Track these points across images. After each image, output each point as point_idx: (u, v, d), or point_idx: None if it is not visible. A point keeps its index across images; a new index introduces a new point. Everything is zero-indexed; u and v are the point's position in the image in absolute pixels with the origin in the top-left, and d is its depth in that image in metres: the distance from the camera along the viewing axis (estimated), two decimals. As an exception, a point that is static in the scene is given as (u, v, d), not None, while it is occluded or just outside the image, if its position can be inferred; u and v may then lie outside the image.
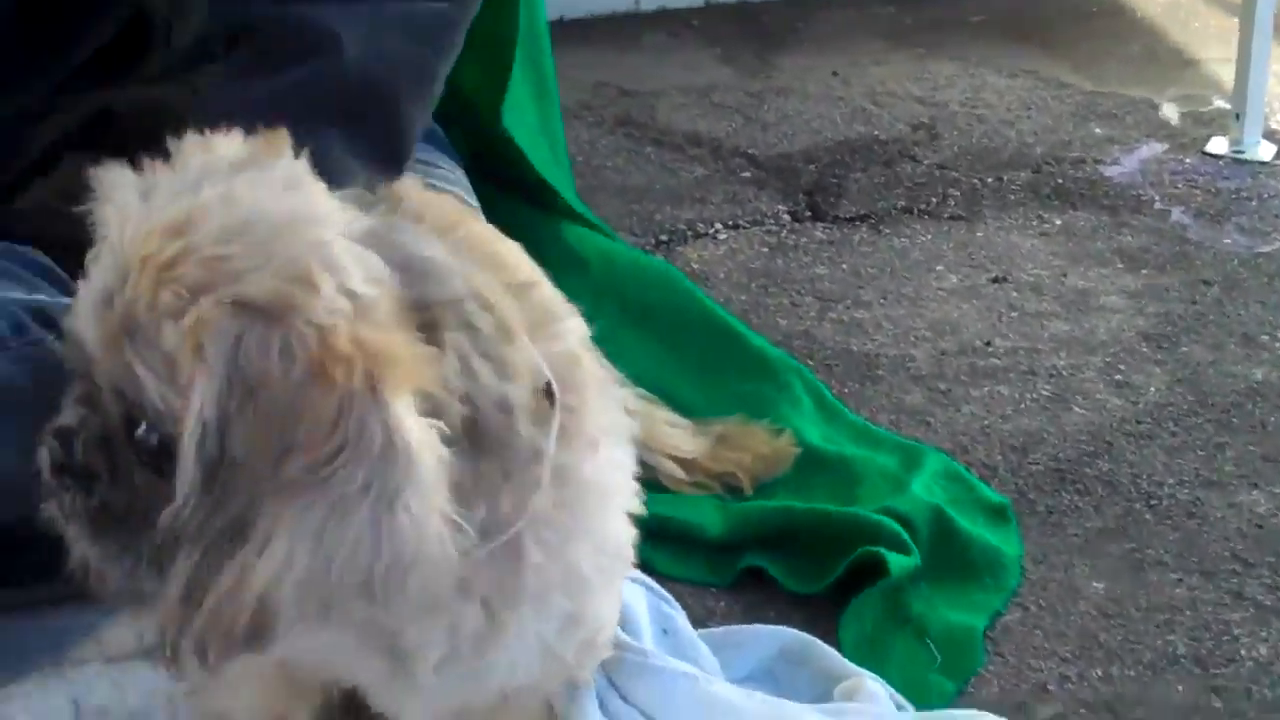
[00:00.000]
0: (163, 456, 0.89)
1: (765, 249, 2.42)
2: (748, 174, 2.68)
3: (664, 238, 2.44)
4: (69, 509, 0.96)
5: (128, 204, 0.95)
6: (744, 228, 2.49)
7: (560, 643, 1.10)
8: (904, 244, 2.44)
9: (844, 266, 2.37)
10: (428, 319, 0.91)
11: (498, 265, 1.08)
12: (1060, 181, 2.68)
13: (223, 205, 0.90)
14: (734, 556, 1.64)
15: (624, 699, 1.32)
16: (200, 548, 0.87)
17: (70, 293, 1.35)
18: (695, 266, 2.34)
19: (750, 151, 2.76)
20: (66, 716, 1.30)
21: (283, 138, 0.98)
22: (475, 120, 1.95)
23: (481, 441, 0.94)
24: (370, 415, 0.84)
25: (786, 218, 2.53)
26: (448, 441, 0.89)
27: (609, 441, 1.09)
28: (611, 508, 1.11)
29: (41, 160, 1.38)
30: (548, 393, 1.01)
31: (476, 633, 1.04)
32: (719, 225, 2.49)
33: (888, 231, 2.48)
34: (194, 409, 0.86)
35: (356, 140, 1.26)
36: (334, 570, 0.84)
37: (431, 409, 0.89)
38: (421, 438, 0.85)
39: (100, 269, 0.93)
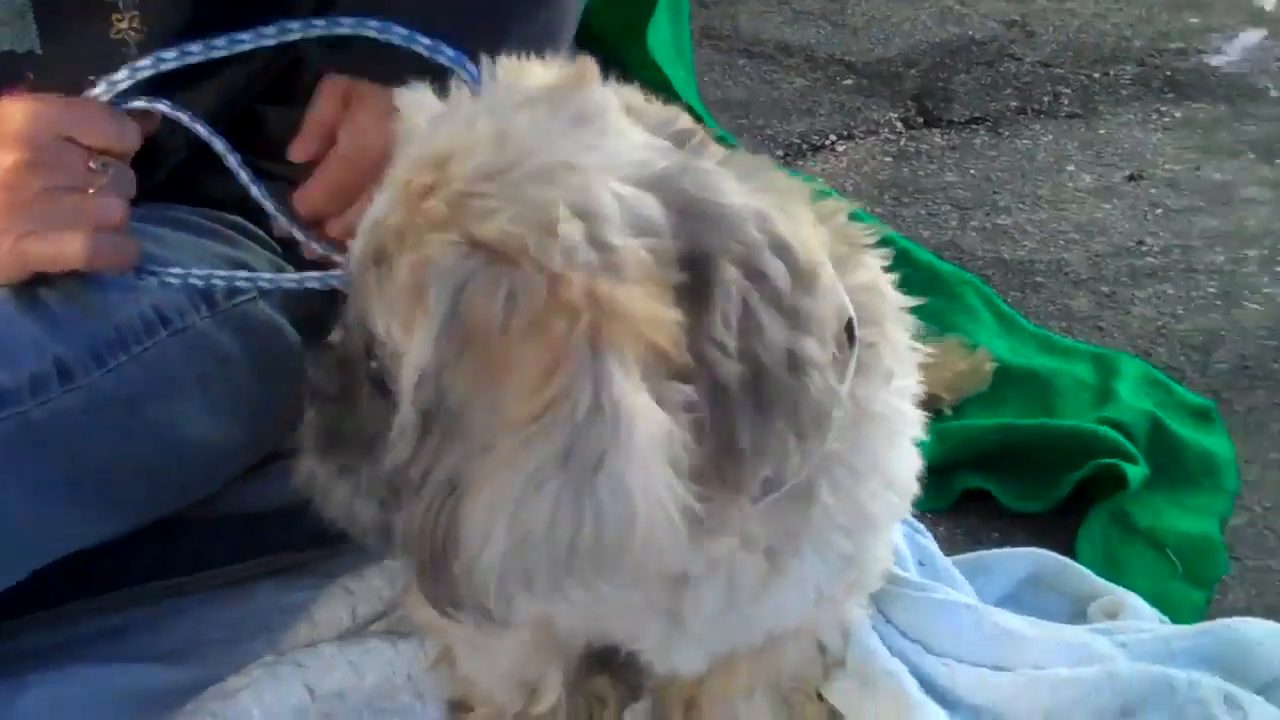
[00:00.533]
0: (390, 392, 0.82)
1: (888, 159, 2.32)
2: (849, 82, 2.58)
3: (780, 153, 2.34)
4: (305, 422, 0.91)
5: (417, 128, 0.87)
6: (859, 138, 2.39)
7: (833, 584, 1.02)
8: (1027, 145, 2.35)
9: (972, 172, 2.27)
10: (699, 272, 0.81)
11: (802, 198, 0.98)
12: (1169, 73, 2.59)
13: (492, 141, 0.81)
14: (951, 479, 1.55)
15: (903, 634, 1.25)
16: (421, 501, 0.79)
17: (274, 251, 1.26)
18: (821, 182, 2.23)
19: (846, 59, 2.65)
20: (302, 702, 1.22)
21: (591, 66, 0.88)
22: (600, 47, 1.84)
23: (768, 397, 0.84)
24: (582, 375, 0.74)
25: (900, 125, 2.43)
26: (691, 406, 0.79)
27: (902, 371, 1.01)
28: (902, 441, 1.03)
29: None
30: (849, 330, 0.92)
31: (756, 582, 0.97)
32: (834, 137, 2.39)
33: (1007, 133, 2.38)
34: (414, 351, 0.79)
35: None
36: (532, 544, 0.75)
37: (678, 370, 0.79)
38: (637, 403, 0.74)
39: (381, 191, 0.85)
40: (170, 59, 1.04)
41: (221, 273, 1.13)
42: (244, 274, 1.13)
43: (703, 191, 0.83)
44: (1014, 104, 2.48)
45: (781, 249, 0.84)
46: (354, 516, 0.89)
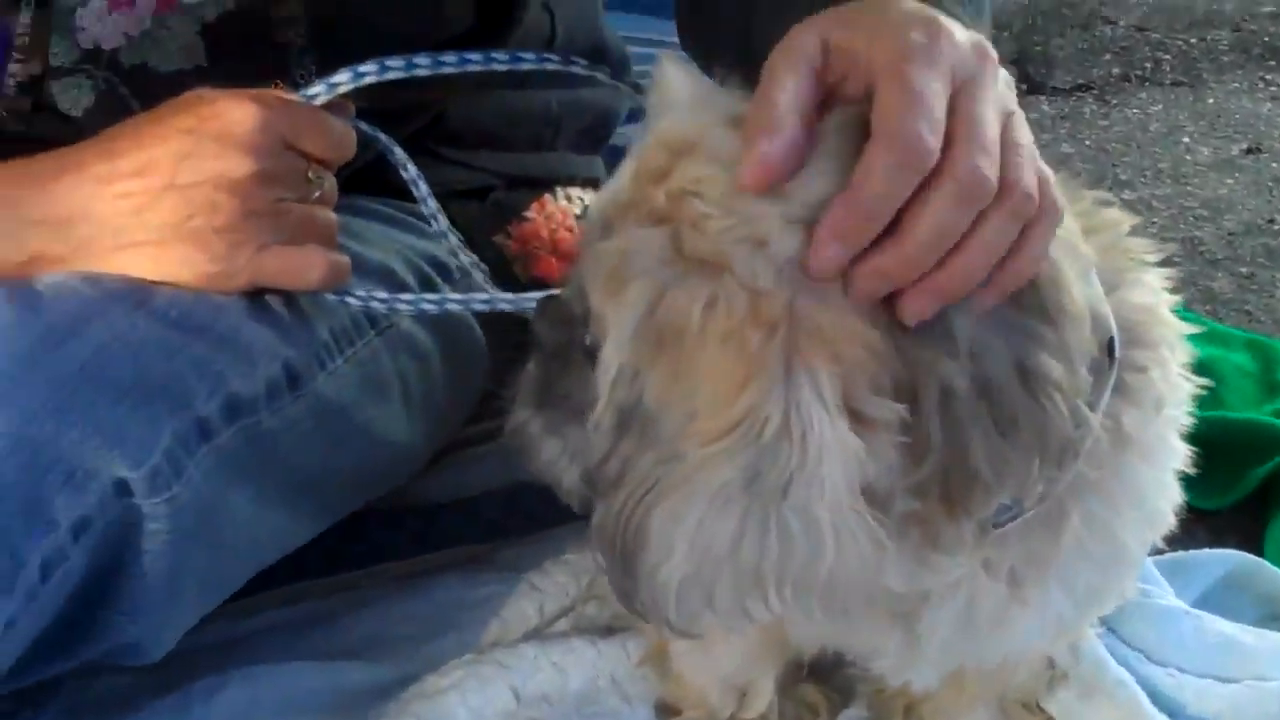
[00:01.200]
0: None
1: (999, 127, 2.26)
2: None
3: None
4: (525, 372, 0.87)
5: (676, 102, 0.80)
6: (966, 105, 2.33)
7: (1077, 617, 0.99)
8: (1137, 114, 2.31)
9: (1087, 142, 2.23)
10: None
11: (1077, 206, 0.93)
12: (1267, 39, 2.54)
13: (726, 133, 0.76)
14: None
15: (1125, 642, 1.21)
16: (615, 499, 0.75)
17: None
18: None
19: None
20: (508, 705, 1.18)
21: None
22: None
23: (1006, 415, 0.80)
24: (774, 393, 0.70)
25: (1005, 91, 2.37)
26: (906, 426, 0.75)
27: (1173, 400, 0.96)
28: (1165, 474, 0.98)
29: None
30: (1109, 350, 0.87)
31: (996, 608, 0.93)
32: (940, 103, 2.33)
33: (1115, 102, 2.34)
34: (610, 342, 0.75)
35: None
36: (713, 563, 0.72)
37: (889, 388, 0.74)
38: (828, 427, 0.70)
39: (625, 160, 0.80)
40: (369, 72, 1.00)
41: (406, 296, 1.10)
42: (432, 296, 1.09)
43: None
44: (1116, 70, 2.43)
45: None
46: (558, 477, 0.85)
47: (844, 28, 0.72)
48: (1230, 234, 2.00)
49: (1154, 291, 0.93)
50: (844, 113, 0.74)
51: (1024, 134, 0.72)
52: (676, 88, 0.82)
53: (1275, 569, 1.36)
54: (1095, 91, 2.37)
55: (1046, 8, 2.65)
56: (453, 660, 1.21)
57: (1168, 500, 0.99)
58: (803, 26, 0.72)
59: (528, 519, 1.37)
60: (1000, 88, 0.73)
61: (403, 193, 1.18)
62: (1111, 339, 0.87)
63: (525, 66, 1.06)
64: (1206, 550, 1.37)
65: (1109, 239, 0.92)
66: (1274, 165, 2.16)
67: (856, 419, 0.71)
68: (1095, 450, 0.86)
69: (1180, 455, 0.99)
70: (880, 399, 0.72)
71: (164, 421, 0.93)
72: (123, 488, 0.91)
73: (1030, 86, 2.39)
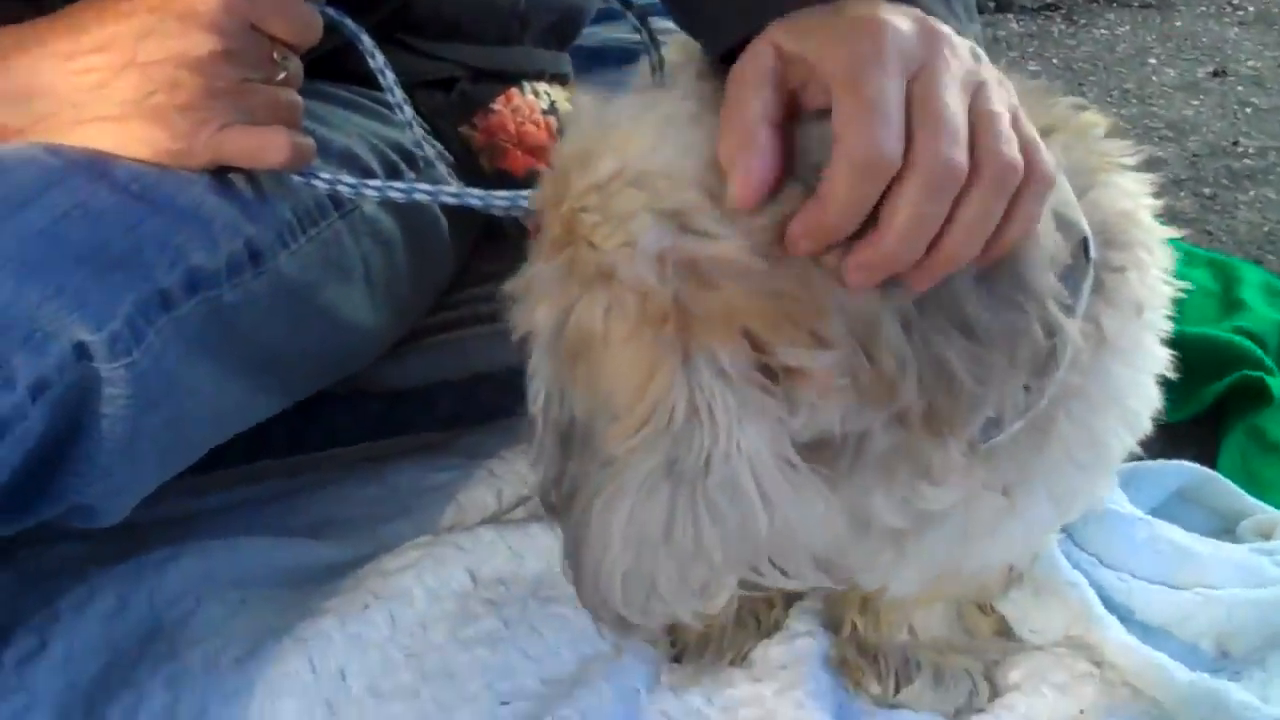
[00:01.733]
0: None
1: (968, 42, 2.26)
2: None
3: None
4: None
5: (578, 115, 0.82)
6: (935, 18, 2.32)
7: (1057, 519, 1.00)
8: (1105, 35, 2.30)
9: (1054, 61, 2.22)
10: None
11: (1052, 110, 0.93)
12: (1234, -36, 2.54)
13: (613, 146, 0.76)
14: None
15: (1079, 546, 1.22)
16: (569, 519, 0.79)
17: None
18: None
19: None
20: (464, 586, 1.17)
21: None
22: None
23: (971, 328, 0.80)
24: (675, 381, 0.72)
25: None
26: (852, 366, 0.75)
27: (1153, 304, 0.96)
28: (1144, 377, 0.98)
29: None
30: (1084, 253, 0.87)
31: (991, 519, 0.94)
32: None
33: (1083, 22, 2.33)
34: (532, 365, 0.78)
35: None
36: (650, 549, 0.74)
37: (846, 329, 0.74)
38: (733, 397, 0.72)
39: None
40: None
41: (373, 182, 1.06)
42: (400, 185, 1.07)
43: None
44: (1086, -10, 2.43)
45: None
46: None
47: (796, 39, 0.73)
48: (1194, 155, 2.00)
49: (1129, 195, 0.93)
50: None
51: (998, 102, 0.72)
52: (580, 111, 0.82)
53: (1229, 482, 1.37)
54: (1063, 11, 2.36)
55: (1018, -75, 2.63)
56: (409, 543, 1.20)
57: (1146, 404, 0.98)
58: (759, 40, 0.74)
59: (486, 408, 1.36)
60: (962, 60, 0.73)
61: (367, 79, 1.16)
62: (1085, 240, 0.86)
63: None
64: (1162, 461, 1.38)
65: (1082, 141, 0.91)
66: (1239, 88, 2.17)
67: (781, 377, 0.72)
68: (1078, 356, 0.86)
69: (1160, 360, 0.99)
70: (801, 349, 0.72)
71: (124, 289, 0.92)
72: (82, 350, 0.89)
73: (999, 4, 2.38)
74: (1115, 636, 1.12)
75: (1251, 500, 1.35)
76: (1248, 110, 2.11)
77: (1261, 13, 2.38)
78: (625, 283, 0.73)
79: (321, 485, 1.29)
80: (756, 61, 0.74)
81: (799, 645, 1.12)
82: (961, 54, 0.73)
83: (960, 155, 0.69)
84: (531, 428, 0.81)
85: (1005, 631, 1.18)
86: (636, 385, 0.73)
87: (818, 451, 0.76)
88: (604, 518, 0.74)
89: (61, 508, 0.97)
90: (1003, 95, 0.74)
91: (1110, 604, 1.20)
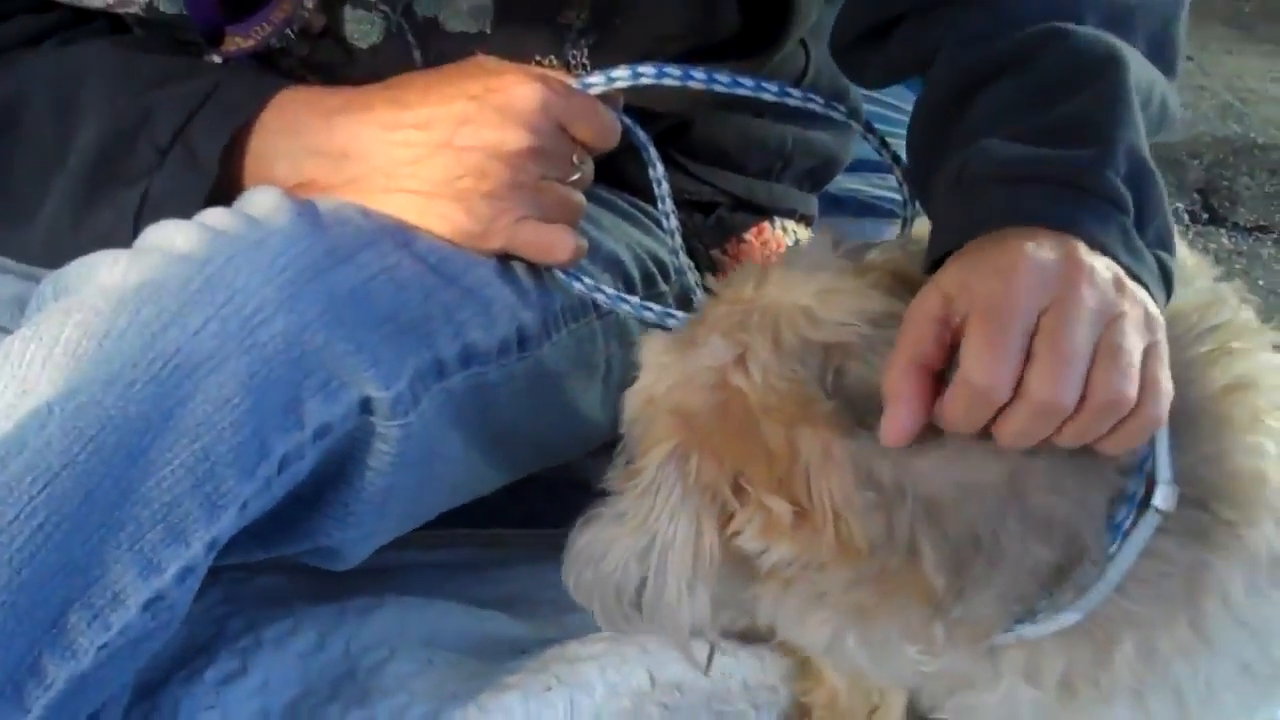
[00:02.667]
0: None
1: (1176, 250, 2.29)
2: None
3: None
4: None
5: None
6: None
7: None
8: (1315, 266, 2.32)
9: (1260, 282, 2.24)
10: None
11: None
12: None
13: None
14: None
15: None
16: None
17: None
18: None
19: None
20: (642, 686, 1.21)
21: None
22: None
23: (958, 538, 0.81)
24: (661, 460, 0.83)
25: (1186, 217, 2.39)
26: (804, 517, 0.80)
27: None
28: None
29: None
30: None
31: (1036, 713, 0.94)
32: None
33: (1295, 249, 2.35)
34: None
35: None
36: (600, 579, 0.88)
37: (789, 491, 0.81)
38: (682, 525, 0.83)
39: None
40: (646, 75, 1.05)
41: (631, 299, 1.13)
42: (655, 308, 1.13)
43: None
44: (1299, 219, 2.44)
45: None
46: None
47: (955, 273, 0.81)
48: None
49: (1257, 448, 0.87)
50: None
51: (1131, 335, 0.77)
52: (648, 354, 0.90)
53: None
54: (1276, 235, 2.38)
55: (1239, 145, 2.66)
56: (595, 634, 1.25)
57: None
58: (930, 284, 0.81)
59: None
60: (1101, 292, 0.77)
61: (636, 189, 1.23)
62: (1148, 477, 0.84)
63: (792, 103, 1.11)
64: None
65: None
66: None
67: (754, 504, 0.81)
68: (1158, 588, 0.85)
69: None
70: (774, 496, 0.80)
71: (411, 354, 0.98)
72: (367, 405, 0.96)
73: (1212, 217, 2.41)
74: None
75: None
76: None
77: None
78: (708, 365, 0.83)
79: (510, 562, 1.34)
80: (923, 304, 0.80)
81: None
82: (1101, 286, 0.78)
83: (1066, 392, 0.75)
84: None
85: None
86: (647, 447, 0.84)
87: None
88: (574, 535, 0.87)
89: (307, 545, 1.03)
90: (1138, 327, 0.78)
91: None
